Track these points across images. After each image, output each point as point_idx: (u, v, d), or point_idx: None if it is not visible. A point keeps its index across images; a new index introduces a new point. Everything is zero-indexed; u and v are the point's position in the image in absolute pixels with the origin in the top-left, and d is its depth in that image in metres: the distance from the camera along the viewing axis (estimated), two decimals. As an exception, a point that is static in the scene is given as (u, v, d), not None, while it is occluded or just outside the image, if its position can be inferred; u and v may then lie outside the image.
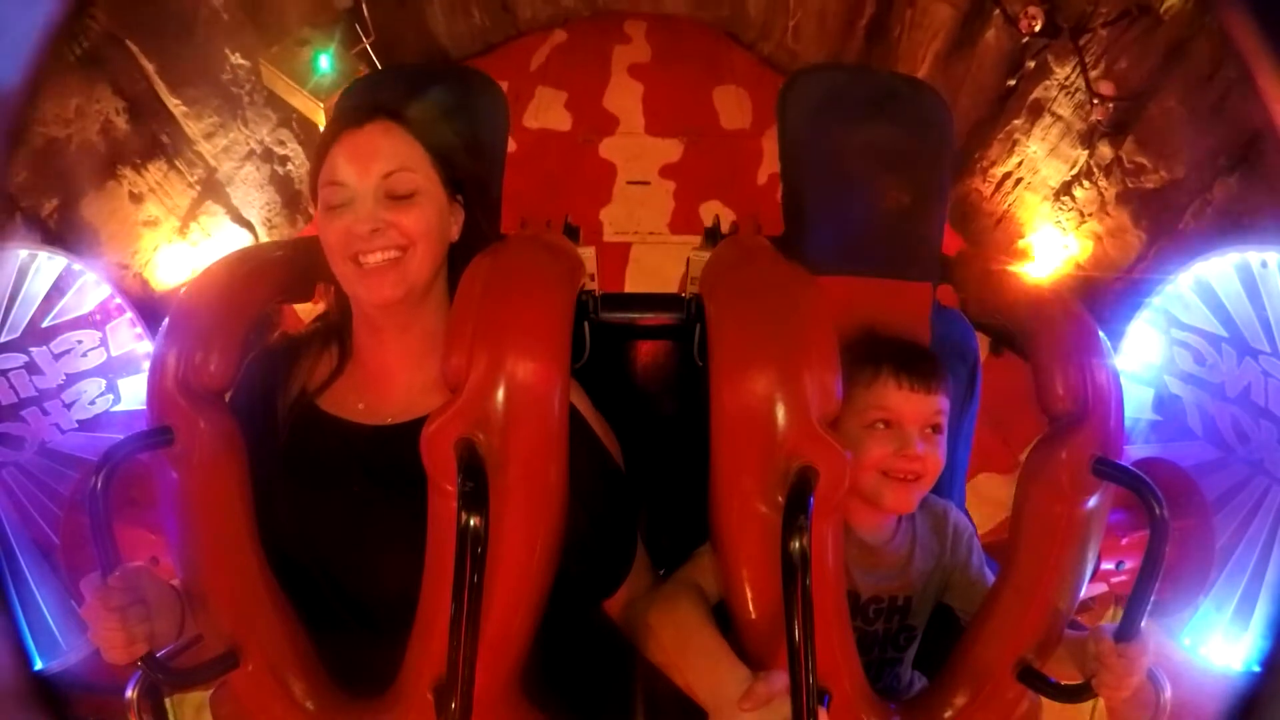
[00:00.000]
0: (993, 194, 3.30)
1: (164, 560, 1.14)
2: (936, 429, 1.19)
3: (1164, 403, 2.25)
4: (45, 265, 2.16)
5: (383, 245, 1.06)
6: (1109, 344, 1.15)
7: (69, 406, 2.17)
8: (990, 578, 1.23)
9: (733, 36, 4.19)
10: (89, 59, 2.48)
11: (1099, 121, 2.85)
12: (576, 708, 1.17)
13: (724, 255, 1.26)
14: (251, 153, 3.12)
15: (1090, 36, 2.82)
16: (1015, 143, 3.17)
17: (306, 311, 1.26)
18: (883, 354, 1.20)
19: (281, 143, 3.24)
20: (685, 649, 1.05)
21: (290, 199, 3.29)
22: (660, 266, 3.26)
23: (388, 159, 1.08)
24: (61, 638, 1.95)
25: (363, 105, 1.16)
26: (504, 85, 1.43)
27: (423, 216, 1.08)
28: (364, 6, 3.08)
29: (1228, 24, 0.60)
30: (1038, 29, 2.92)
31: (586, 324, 1.34)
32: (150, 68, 2.67)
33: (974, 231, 3.34)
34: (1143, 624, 0.97)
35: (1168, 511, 0.96)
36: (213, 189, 3.00)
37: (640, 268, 3.33)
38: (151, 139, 2.76)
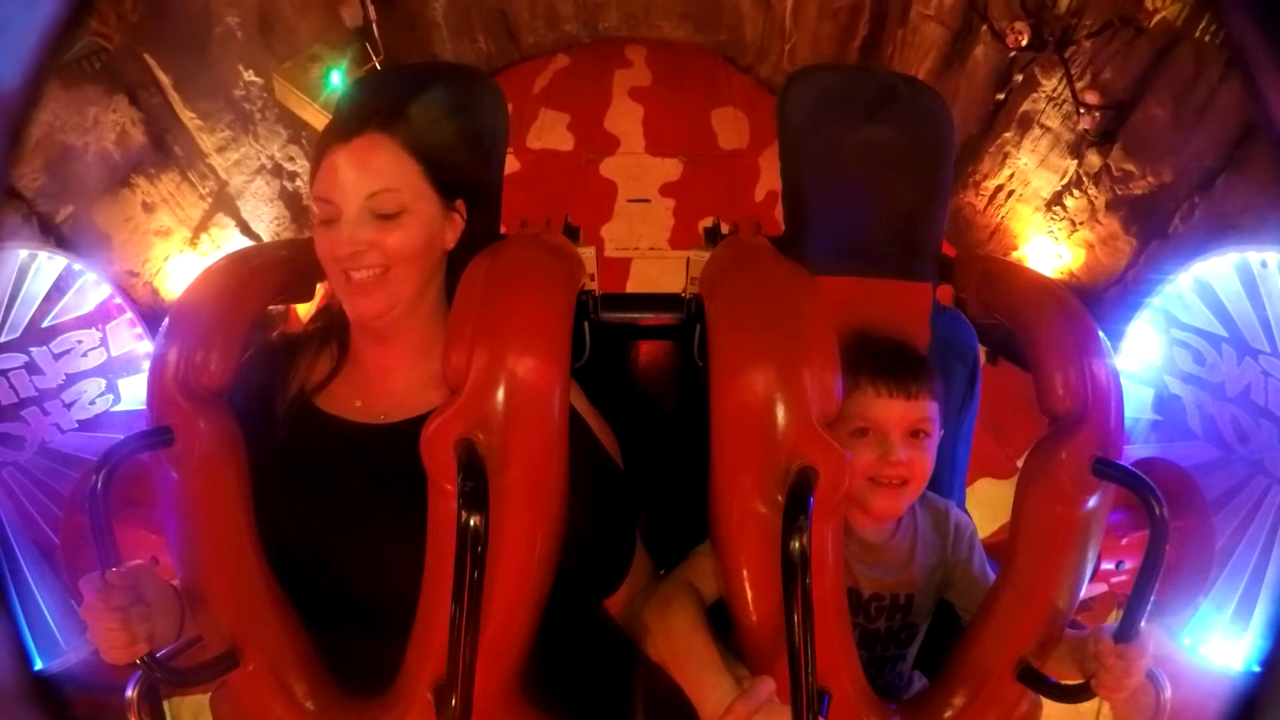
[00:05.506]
0: (985, 207, 3.34)
1: (164, 560, 1.14)
2: (923, 433, 1.17)
3: (1164, 403, 2.25)
4: (45, 265, 2.17)
5: (366, 264, 1.05)
6: (1109, 344, 1.15)
7: (69, 406, 2.18)
8: (991, 577, 1.22)
9: (730, 60, 4.27)
10: (108, 70, 2.54)
11: (1086, 131, 2.89)
12: (576, 708, 1.17)
13: (724, 255, 1.26)
14: (262, 167, 3.16)
15: (1075, 48, 2.87)
16: (1006, 155, 3.21)
17: (307, 312, 1.26)
18: (862, 361, 1.17)
19: (291, 159, 3.28)
20: (676, 655, 1.05)
21: (298, 213, 3.33)
22: (660, 280, 3.29)
23: (374, 177, 1.05)
24: (61, 638, 1.95)
25: (354, 116, 1.11)
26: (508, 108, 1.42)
27: (407, 237, 1.06)
28: (374, 26, 3.12)
29: (1228, 24, 0.60)
30: (1024, 43, 2.98)
31: (586, 324, 1.34)
32: (166, 81, 2.72)
33: (968, 245, 3.37)
34: (1142, 624, 0.97)
35: (1168, 511, 0.95)
36: (224, 201, 3.04)
37: (641, 282, 3.37)
38: (166, 150, 2.80)
